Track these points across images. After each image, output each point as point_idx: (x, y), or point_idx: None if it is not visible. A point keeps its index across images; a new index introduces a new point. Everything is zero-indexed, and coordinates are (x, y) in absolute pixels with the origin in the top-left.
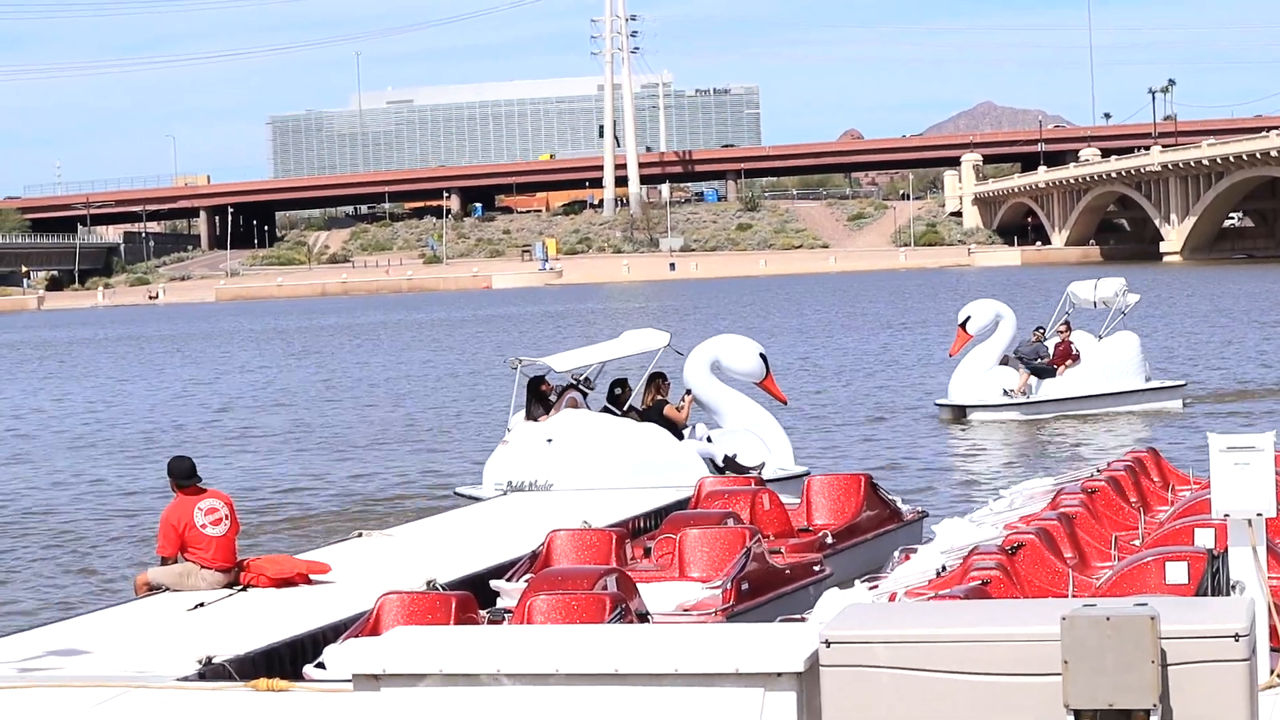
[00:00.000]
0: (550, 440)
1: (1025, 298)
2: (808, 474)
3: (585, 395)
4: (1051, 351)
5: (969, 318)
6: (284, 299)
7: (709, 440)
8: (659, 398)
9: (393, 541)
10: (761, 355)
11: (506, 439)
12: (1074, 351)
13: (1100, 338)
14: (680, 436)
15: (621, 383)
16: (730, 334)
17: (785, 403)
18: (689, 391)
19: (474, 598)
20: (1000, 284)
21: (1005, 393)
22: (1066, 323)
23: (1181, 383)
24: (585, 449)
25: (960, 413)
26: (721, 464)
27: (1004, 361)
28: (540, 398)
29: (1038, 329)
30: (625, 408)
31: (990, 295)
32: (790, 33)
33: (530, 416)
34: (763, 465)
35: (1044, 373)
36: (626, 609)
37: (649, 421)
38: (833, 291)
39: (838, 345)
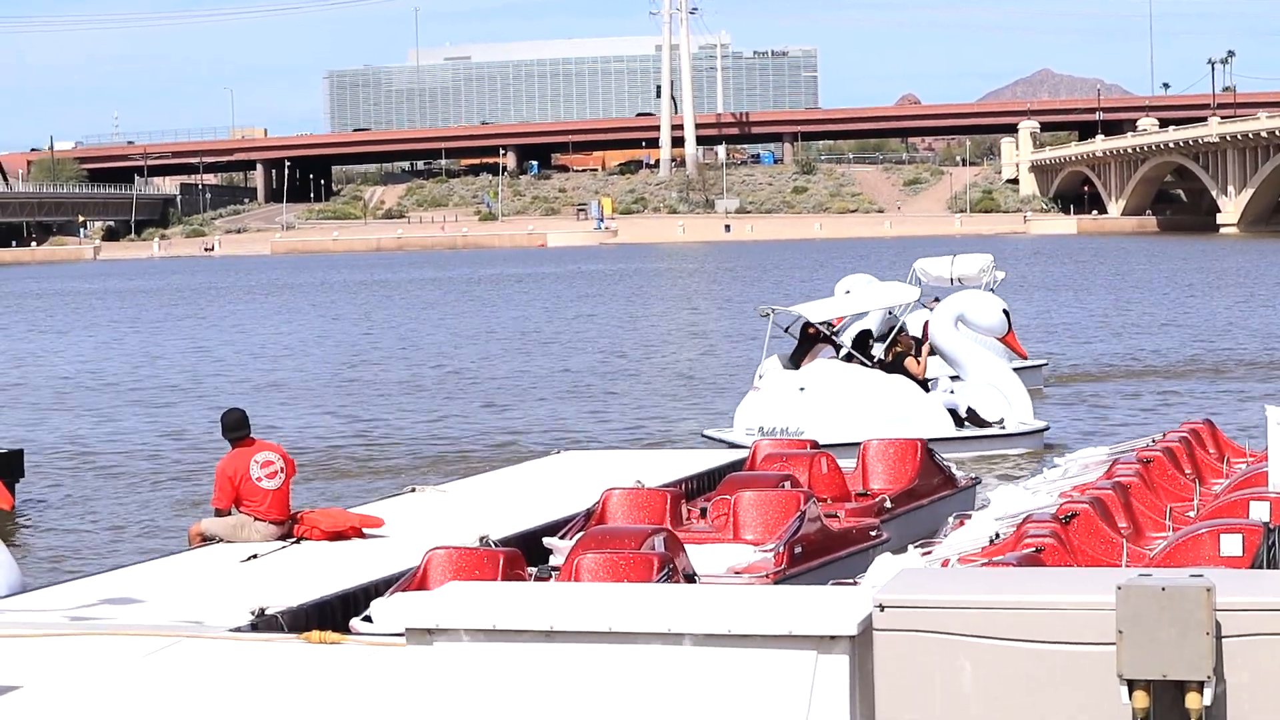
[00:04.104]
0: (803, 389)
1: (1085, 267)
2: (1046, 428)
3: (837, 346)
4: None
5: (847, 292)
6: (339, 253)
7: (952, 393)
8: (899, 350)
9: (446, 497)
10: (1005, 311)
11: (757, 385)
12: None
13: None
14: (925, 389)
15: (868, 333)
16: (974, 290)
17: (1026, 357)
18: (927, 343)
19: (521, 554)
20: (1056, 252)
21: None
22: (937, 299)
23: (1043, 363)
24: (836, 399)
25: None
26: (964, 415)
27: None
28: (808, 342)
29: None
30: (874, 360)
31: (1046, 263)
32: None
33: (794, 361)
34: (1002, 421)
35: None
36: (674, 569)
37: (892, 373)
38: (889, 255)
39: None
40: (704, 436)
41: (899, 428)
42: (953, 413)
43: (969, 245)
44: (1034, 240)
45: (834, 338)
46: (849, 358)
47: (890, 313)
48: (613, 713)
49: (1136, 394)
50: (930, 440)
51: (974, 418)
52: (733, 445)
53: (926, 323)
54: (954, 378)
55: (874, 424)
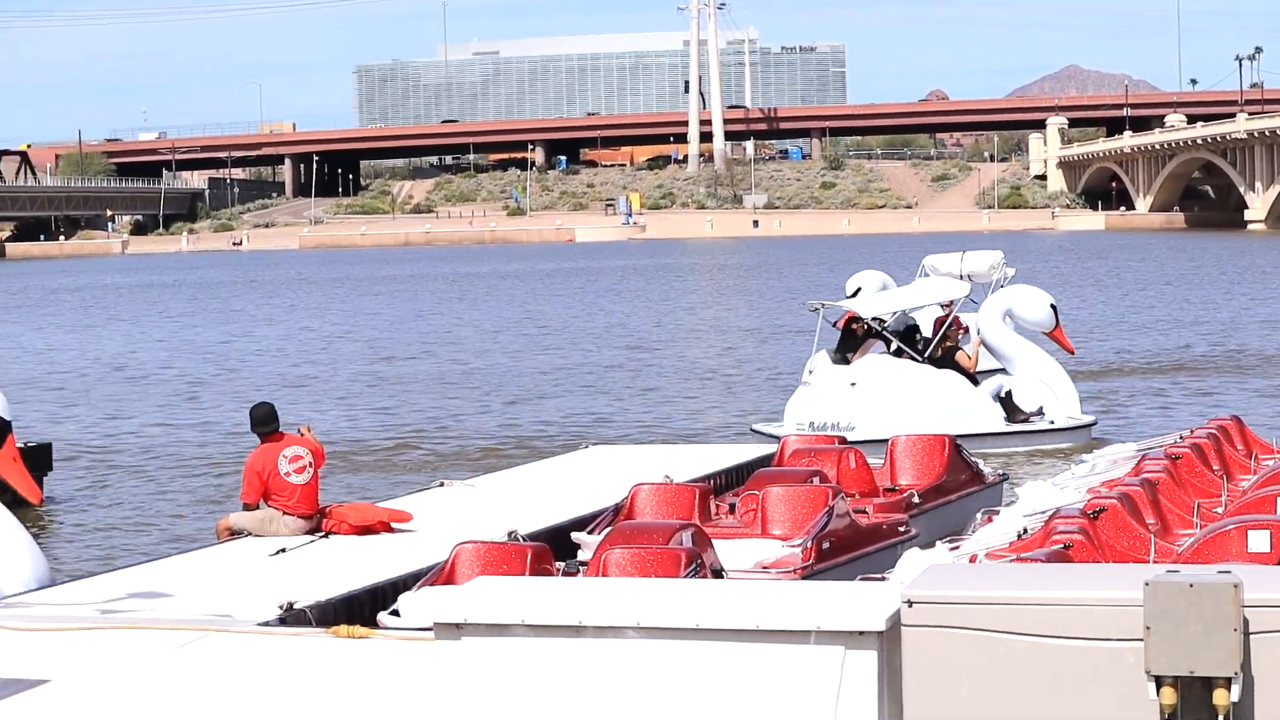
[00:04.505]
0: (854, 384)
1: (1112, 263)
2: (1094, 423)
3: (888, 341)
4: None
5: (859, 289)
6: (367, 248)
7: (1000, 387)
8: (949, 344)
9: (475, 492)
10: (1052, 306)
11: (807, 380)
12: (964, 325)
13: None
14: (975, 383)
15: (916, 328)
16: (1023, 284)
17: (1073, 353)
18: (977, 337)
19: (549, 549)
20: (1083, 249)
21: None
22: (952, 300)
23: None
24: (888, 394)
25: None
26: (1000, 400)
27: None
28: (851, 337)
29: None
30: (925, 354)
31: (1074, 259)
32: None
33: (841, 355)
34: (1040, 410)
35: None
36: (702, 564)
37: (942, 367)
38: (916, 252)
39: None
40: (753, 431)
41: (950, 423)
42: (999, 402)
43: (996, 241)
44: (1062, 236)
45: (884, 332)
46: (899, 352)
47: (902, 312)
48: (640, 708)
49: (1164, 390)
50: (981, 435)
51: (1009, 407)
52: None
53: (937, 319)
54: (1000, 371)
55: (925, 419)
